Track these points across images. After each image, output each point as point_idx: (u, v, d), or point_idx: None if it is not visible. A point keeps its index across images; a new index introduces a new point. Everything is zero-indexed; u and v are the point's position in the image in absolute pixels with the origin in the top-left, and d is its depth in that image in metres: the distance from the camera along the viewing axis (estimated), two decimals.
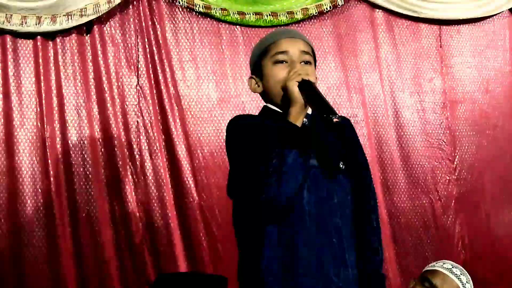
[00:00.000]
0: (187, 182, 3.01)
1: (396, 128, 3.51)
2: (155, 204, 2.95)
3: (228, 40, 3.19)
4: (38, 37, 2.84)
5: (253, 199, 1.50)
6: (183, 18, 3.12)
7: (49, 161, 2.79)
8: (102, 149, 2.90)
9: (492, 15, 3.82)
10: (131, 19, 3.03)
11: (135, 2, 3.04)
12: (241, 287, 1.65)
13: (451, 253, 3.49)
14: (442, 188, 3.57)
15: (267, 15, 3.19)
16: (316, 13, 3.31)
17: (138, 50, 3.02)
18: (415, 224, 3.48)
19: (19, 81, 2.83)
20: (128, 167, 2.93)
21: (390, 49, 3.56)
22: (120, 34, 3.00)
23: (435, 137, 3.60)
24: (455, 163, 3.65)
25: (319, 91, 1.56)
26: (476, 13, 3.75)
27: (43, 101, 2.82)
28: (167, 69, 3.05)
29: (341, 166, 1.65)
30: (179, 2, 3.06)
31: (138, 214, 2.92)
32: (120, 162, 2.90)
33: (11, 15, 2.75)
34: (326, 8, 3.33)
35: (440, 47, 3.71)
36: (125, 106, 2.97)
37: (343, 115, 1.56)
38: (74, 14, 2.85)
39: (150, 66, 3.03)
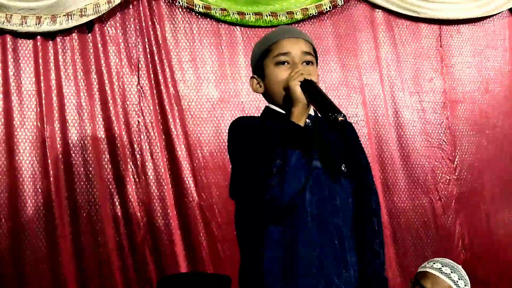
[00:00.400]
0: (187, 182, 3.02)
1: (396, 128, 3.51)
2: (156, 204, 2.95)
3: (227, 40, 3.19)
4: (38, 37, 2.84)
5: (255, 200, 1.50)
6: (183, 18, 3.12)
7: (49, 161, 2.79)
8: (103, 149, 2.90)
9: (492, 15, 3.82)
10: (131, 19, 3.03)
11: (135, 2, 3.04)
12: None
13: (451, 253, 3.49)
14: (442, 188, 3.57)
15: (266, 15, 3.19)
16: (316, 13, 3.31)
17: (138, 50, 3.03)
18: (415, 224, 3.48)
19: (19, 81, 2.83)
20: (129, 166, 2.93)
21: (390, 49, 3.56)
22: (120, 34, 3.01)
23: (435, 137, 3.60)
24: (455, 163, 3.65)
25: (322, 90, 1.56)
26: (476, 13, 3.75)
27: (43, 101, 2.82)
28: (167, 69, 3.05)
29: (343, 168, 1.65)
30: (179, 2, 3.06)
31: (139, 214, 2.92)
32: (121, 162, 2.91)
33: (11, 15, 2.76)
34: (326, 8, 3.33)
35: (440, 47, 3.71)
36: (126, 105, 2.98)
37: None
38: (74, 14, 2.85)
39: (150, 66, 3.03)
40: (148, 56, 3.03)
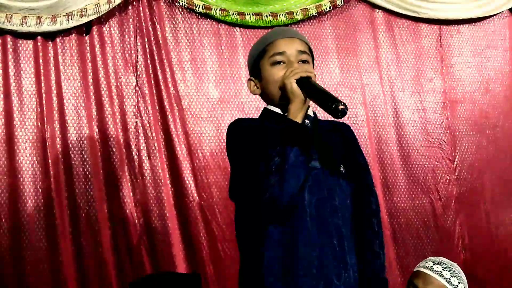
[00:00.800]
0: (187, 182, 3.02)
1: (396, 128, 3.51)
2: (153, 205, 2.96)
3: (227, 40, 3.19)
4: (39, 37, 2.84)
5: (255, 199, 1.50)
6: (183, 19, 3.13)
7: (49, 161, 2.80)
8: (101, 149, 2.90)
9: (492, 15, 3.82)
10: (131, 20, 3.04)
11: (134, 3, 3.05)
12: None
13: (451, 253, 3.49)
14: (442, 188, 3.57)
15: (266, 16, 3.19)
16: (315, 13, 3.31)
17: (137, 50, 3.03)
18: (415, 223, 3.48)
19: (20, 81, 2.84)
20: (126, 167, 2.94)
21: (390, 49, 3.56)
22: (119, 35, 3.01)
23: (435, 137, 3.60)
24: (455, 163, 3.65)
25: (318, 85, 1.56)
26: (476, 13, 3.75)
27: (43, 101, 2.83)
28: (167, 69, 3.05)
29: (342, 169, 1.65)
30: (179, 3, 3.07)
31: (136, 214, 2.93)
32: (119, 163, 2.91)
33: (12, 15, 2.76)
34: (326, 9, 3.33)
35: (440, 47, 3.71)
36: (124, 106, 2.98)
37: (343, 120, 1.55)
38: (74, 14, 2.86)
39: (150, 66, 3.03)
40: (148, 56, 3.03)
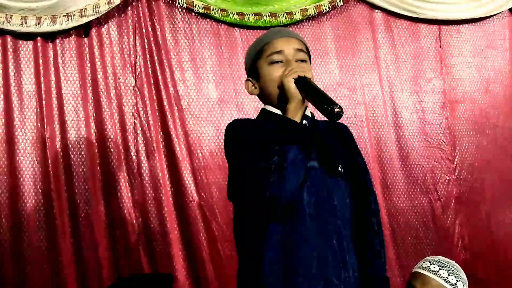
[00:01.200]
0: (187, 182, 3.02)
1: (395, 128, 3.51)
2: (151, 205, 2.96)
3: (227, 40, 3.20)
4: (38, 38, 2.85)
5: (255, 198, 1.50)
6: (182, 19, 3.13)
7: (49, 161, 2.81)
8: (100, 150, 2.91)
9: (492, 15, 3.82)
10: (130, 20, 3.04)
11: (134, 3, 3.05)
12: None
13: (450, 253, 3.49)
14: (442, 188, 3.57)
15: (266, 16, 3.20)
16: (315, 13, 3.31)
17: (136, 51, 3.04)
18: (414, 224, 3.48)
19: (20, 82, 2.84)
20: (124, 167, 2.94)
21: (389, 49, 3.56)
22: (118, 35, 3.02)
23: (434, 137, 3.60)
24: (455, 163, 3.65)
25: (316, 85, 1.56)
26: (476, 13, 3.75)
27: (43, 102, 2.84)
28: (167, 70, 3.06)
29: (340, 169, 1.65)
30: (178, 3, 3.07)
31: (134, 215, 2.93)
32: (117, 163, 2.92)
33: (11, 15, 2.77)
34: (325, 9, 3.33)
35: (440, 47, 3.71)
36: (123, 107, 2.99)
37: (341, 121, 1.55)
38: (74, 15, 2.86)
39: (149, 66, 3.04)
40: (148, 56, 3.04)
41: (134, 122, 3.01)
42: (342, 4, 3.38)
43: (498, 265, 3.67)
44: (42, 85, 2.84)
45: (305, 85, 1.56)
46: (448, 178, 3.61)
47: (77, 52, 2.94)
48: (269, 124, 1.63)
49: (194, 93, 3.12)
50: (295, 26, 3.32)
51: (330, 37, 3.42)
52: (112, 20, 3.01)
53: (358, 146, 1.84)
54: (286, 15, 3.24)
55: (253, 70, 1.72)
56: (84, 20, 2.88)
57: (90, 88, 2.94)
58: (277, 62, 1.65)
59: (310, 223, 1.56)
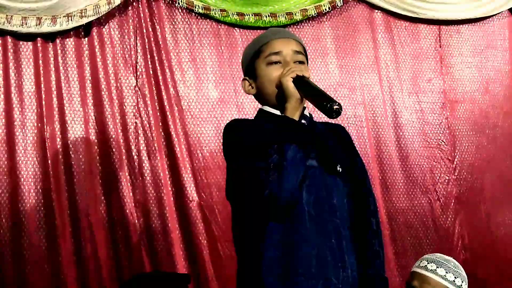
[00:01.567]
0: (187, 182, 3.03)
1: (395, 128, 3.52)
2: (153, 205, 2.96)
3: (227, 41, 3.20)
4: (38, 38, 2.85)
5: (255, 197, 1.50)
6: (182, 19, 3.14)
7: (49, 161, 2.81)
8: (101, 150, 2.91)
9: (492, 15, 3.82)
10: (130, 20, 3.05)
11: (134, 3, 3.06)
12: None
13: (450, 253, 3.47)
14: (441, 188, 3.58)
15: (266, 16, 3.20)
16: (315, 14, 3.31)
17: (137, 51, 3.04)
18: (414, 224, 3.48)
19: (20, 82, 2.85)
20: (126, 167, 2.95)
21: (389, 49, 3.56)
22: (119, 36, 3.02)
23: (434, 137, 3.60)
24: (455, 163, 3.66)
25: (315, 84, 1.57)
26: (476, 13, 3.75)
27: (43, 102, 2.84)
28: (167, 70, 3.06)
29: (339, 169, 1.65)
30: (178, 3, 3.07)
31: (135, 214, 2.93)
32: (118, 163, 2.92)
33: (12, 16, 2.77)
34: (325, 9, 3.33)
35: (440, 47, 3.71)
36: (124, 107, 2.99)
37: (340, 121, 1.56)
38: (74, 15, 2.86)
39: (150, 67, 3.04)
40: (148, 56, 3.04)
41: (136, 122, 3.01)
42: (342, 4, 3.38)
43: (498, 265, 3.67)
44: (42, 85, 2.85)
45: (303, 84, 1.56)
46: (447, 178, 3.61)
47: (78, 53, 2.94)
48: (268, 123, 1.63)
49: (194, 93, 3.12)
50: (295, 27, 3.32)
51: (330, 37, 3.42)
52: (113, 20, 3.02)
53: (358, 147, 1.85)
54: (286, 16, 3.24)
55: (250, 70, 1.72)
56: (85, 20, 2.89)
57: (91, 88, 2.94)
58: (275, 62, 1.65)
59: (309, 222, 1.56)
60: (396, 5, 3.53)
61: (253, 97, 1.78)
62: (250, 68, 1.71)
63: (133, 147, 2.98)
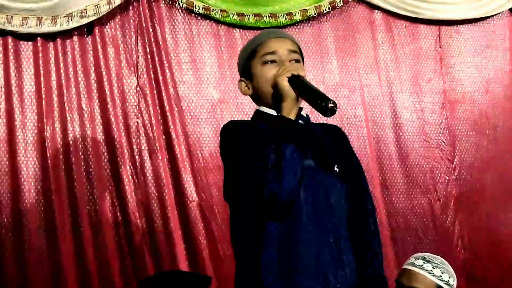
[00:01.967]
0: (187, 182, 3.03)
1: (394, 129, 3.51)
2: (155, 204, 2.97)
3: (227, 41, 3.20)
4: (39, 38, 2.85)
5: (253, 197, 1.50)
6: (182, 20, 3.14)
7: (50, 161, 2.81)
8: (102, 150, 2.91)
9: (492, 15, 3.81)
10: (131, 21, 3.05)
11: (135, 4, 3.06)
12: None
13: (450, 253, 3.50)
14: (441, 188, 3.58)
15: (266, 17, 3.20)
16: (315, 14, 3.31)
17: (138, 51, 3.04)
18: (414, 224, 3.48)
19: (21, 82, 2.85)
20: (128, 167, 2.95)
21: (389, 49, 3.56)
22: (120, 35, 3.02)
23: (434, 137, 3.60)
24: (455, 163, 3.66)
25: (310, 83, 1.57)
26: (476, 13, 3.75)
27: (44, 102, 2.84)
28: (167, 70, 3.06)
29: (336, 169, 1.65)
30: (178, 4, 3.08)
31: (137, 214, 2.94)
32: (120, 163, 2.92)
33: (12, 16, 2.77)
34: (325, 10, 3.33)
35: (440, 47, 3.71)
36: (125, 106, 2.99)
37: (340, 121, 1.56)
38: (74, 15, 2.87)
39: (150, 67, 3.04)
40: (149, 57, 3.05)
41: (137, 122, 3.02)
42: (342, 4, 3.37)
43: (498, 265, 3.67)
44: (43, 85, 2.85)
45: (299, 83, 1.56)
46: (447, 178, 3.61)
47: (78, 53, 2.94)
48: (264, 124, 1.63)
49: (194, 94, 3.13)
50: (295, 27, 3.33)
51: (330, 37, 3.43)
52: (114, 20, 3.02)
53: (358, 147, 1.86)
54: (286, 16, 3.24)
55: (246, 71, 1.72)
56: (85, 20, 2.89)
57: (92, 88, 2.94)
58: (271, 62, 1.65)
59: (307, 221, 1.56)
60: (396, 5, 3.53)
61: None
62: (246, 69, 1.72)
63: (134, 147, 2.98)
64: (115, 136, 2.93)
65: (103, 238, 2.86)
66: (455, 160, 3.66)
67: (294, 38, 1.75)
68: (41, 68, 2.86)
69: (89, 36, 2.97)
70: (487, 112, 3.79)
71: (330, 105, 1.47)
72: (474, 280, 3.59)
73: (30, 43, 2.86)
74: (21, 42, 2.85)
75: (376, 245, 1.70)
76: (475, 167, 3.71)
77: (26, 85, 2.85)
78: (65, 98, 2.90)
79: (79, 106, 2.92)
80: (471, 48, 3.79)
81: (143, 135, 3.01)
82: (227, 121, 1.70)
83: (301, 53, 1.73)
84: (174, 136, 3.03)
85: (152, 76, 3.05)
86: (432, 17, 3.63)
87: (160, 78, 3.04)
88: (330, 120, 1.74)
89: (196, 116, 3.11)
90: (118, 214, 2.91)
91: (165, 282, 2.67)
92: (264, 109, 1.69)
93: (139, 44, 3.04)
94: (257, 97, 1.72)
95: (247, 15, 3.17)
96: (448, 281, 2.08)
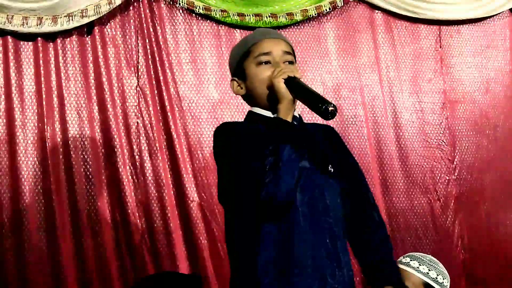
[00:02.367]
0: (187, 182, 3.03)
1: (395, 129, 3.52)
2: (155, 205, 2.97)
3: (227, 41, 3.20)
4: (39, 38, 2.85)
5: (251, 199, 1.49)
6: (183, 20, 3.14)
7: (50, 161, 2.81)
8: (102, 150, 2.92)
9: (493, 15, 3.81)
10: (131, 21, 3.05)
11: (135, 4, 3.06)
12: None
13: (450, 253, 3.51)
14: (441, 188, 3.58)
15: (266, 17, 3.20)
16: (315, 14, 3.31)
17: (138, 51, 3.04)
18: (414, 224, 3.49)
19: (21, 82, 2.85)
20: (127, 167, 2.95)
21: (389, 49, 3.56)
22: (120, 35, 3.02)
23: (434, 137, 3.60)
24: (455, 163, 3.66)
25: (307, 85, 1.56)
26: (476, 13, 3.74)
27: (44, 102, 2.84)
28: (167, 70, 3.06)
29: (330, 169, 1.66)
30: (179, 4, 3.07)
31: (137, 214, 2.94)
32: (120, 163, 2.92)
33: (12, 15, 2.77)
34: (326, 10, 3.33)
35: (440, 47, 3.71)
36: (125, 107, 2.99)
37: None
38: (75, 15, 2.87)
39: (151, 67, 3.04)
40: (149, 57, 3.04)
41: (137, 122, 3.02)
42: (342, 4, 3.37)
43: (498, 265, 3.67)
44: (43, 85, 2.85)
45: (296, 85, 1.56)
46: (447, 178, 3.62)
47: (79, 53, 2.94)
48: (260, 125, 1.63)
49: (195, 94, 3.12)
50: (296, 27, 3.32)
51: (331, 37, 3.43)
52: (115, 20, 3.02)
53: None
54: (286, 16, 3.24)
55: (239, 71, 1.71)
56: (85, 20, 2.89)
57: (92, 88, 2.94)
58: (265, 63, 1.64)
59: (303, 222, 1.57)
60: (396, 6, 3.53)
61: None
62: (239, 69, 1.71)
63: (134, 147, 2.99)
64: (115, 136, 2.93)
65: (103, 238, 2.86)
66: (455, 160, 3.66)
67: (287, 39, 1.75)
68: (41, 68, 2.86)
69: (89, 36, 2.96)
70: (488, 112, 3.79)
71: (330, 108, 1.47)
72: (474, 280, 3.59)
73: (30, 43, 2.86)
74: (21, 42, 2.85)
75: (383, 234, 1.72)
76: (475, 167, 3.71)
77: (26, 85, 2.85)
78: (65, 98, 2.90)
79: (79, 106, 2.92)
80: (471, 48, 3.79)
81: (143, 135, 3.01)
82: (220, 123, 1.69)
83: (294, 54, 1.72)
84: (175, 136, 3.03)
85: (153, 76, 3.04)
86: (433, 17, 3.63)
87: (161, 78, 3.04)
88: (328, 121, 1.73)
89: (197, 116, 3.11)
90: (117, 214, 2.91)
91: (155, 284, 2.67)
92: (259, 110, 1.68)
93: (140, 44, 3.04)
94: (250, 98, 1.71)
95: (247, 15, 3.17)
96: (436, 278, 2.08)
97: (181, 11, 3.13)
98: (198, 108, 3.12)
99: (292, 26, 3.30)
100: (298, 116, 1.68)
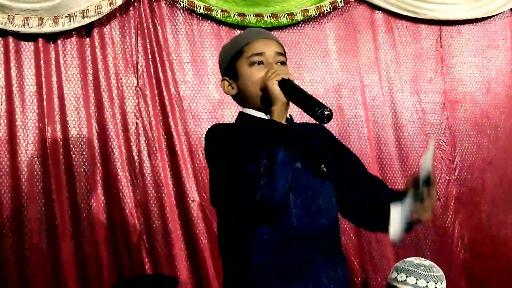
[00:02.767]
0: (188, 182, 3.03)
1: (395, 129, 3.52)
2: (153, 205, 2.97)
3: (228, 41, 3.20)
4: (40, 39, 2.85)
5: (245, 201, 1.47)
6: (183, 20, 3.14)
7: (50, 161, 2.82)
8: (102, 150, 2.91)
9: (493, 15, 3.81)
10: (132, 21, 3.05)
11: (136, 4, 3.06)
12: None
13: (450, 253, 3.51)
14: (441, 188, 3.58)
15: (267, 17, 3.20)
16: (316, 14, 3.31)
17: (138, 51, 3.04)
18: None
19: (22, 82, 2.85)
20: (126, 168, 2.95)
21: (389, 50, 3.56)
22: (120, 36, 3.02)
23: (434, 138, 3.60)
24: (455, 163, 3.66)
25: (301, 88, 1.55)
26: (477, 14, 3.74)
27: (44, 102, 2.84)
28: (168, 70, 3.06)
29: (323, 169, 1.65)
30: (180, 4, 3.07)
31: (136, 215, 2.94)
32: (119, 163, 2.92)
33: (13, 16, 2.78)
34: (326, 10, 3.33)
35: (441, 47, 3.71)
36: (125, 107, 2.99)
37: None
38: (76, 16, 2.87)
39: (151, 67, 3.04)
40: (150, 57, 3.05)
41: (136, 122, 3.02)
42: (343, 4, 3.37)
43: (498, 265, 3.68)
44: (44, 85, 2.85)
45: (290, 88, 1.55)
46: (448, 178, 3.62)
47: (79, 53, 2.94)
48: (253, 127, 1.61)
49: (195, 94, 3.13)
50: (296, 27, 3.32)
51: (331, 37, 3.42)
52: (114, 20, 3.02)
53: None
54: (287, 16, 3.24)
55: (231, 70, 1.69)
56: (86, 20, 2.89)
57: (92, 88, 2.94)
58: (258, 63, 1.63)
59: (297, 223, 1.56)
60: (397, 6, 3.52)
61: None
62: (231, 68, 1.68)
63: (133, 147, 2.99)
64: (114, 137, 2.93)
65: (102, 238, 2.86)
66: (456, 160, 3.67)
67: (279, 39, 1.73)
68: (42, 68, 2.86)
69: (89, 37, 2.97)
70: (488, 112, 3.79)
71: (326, 112, 1.46)
72: (474, 280, 3.59)
73: (31, 43, 2.86)
74: (22, 43, 2.86)
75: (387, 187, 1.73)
76: (475, 167, 3.71)
77: (27, 85, 2.86)
78: (66, 98, 2.90)
79: (79, 106, 2.93)
80: (472, 48, 3.78)
81: (143, 135, 3.01)
82: (212, 125, 1.68)
83: (285, 55, 1.71)
84: (175, 136, 3.03)
85: (153, 76, 3.05)
86: (433, 17, 3.63)
87: (162, 78, 3.04)
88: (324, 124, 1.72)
89: (197, 116, 3.11)
90: (116, 214, 2.91)
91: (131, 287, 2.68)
92: (251, 111, 1.66)
93: (140, 44, 3.05)
94: (242, 98, 1.69)
95: (248, 16, 3.17)
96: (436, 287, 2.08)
97: (181, 11, 3.13)
98: (199, 108, 3.12)
99: (292, 26, 3.30)
100: (289, 116, 1.65)
